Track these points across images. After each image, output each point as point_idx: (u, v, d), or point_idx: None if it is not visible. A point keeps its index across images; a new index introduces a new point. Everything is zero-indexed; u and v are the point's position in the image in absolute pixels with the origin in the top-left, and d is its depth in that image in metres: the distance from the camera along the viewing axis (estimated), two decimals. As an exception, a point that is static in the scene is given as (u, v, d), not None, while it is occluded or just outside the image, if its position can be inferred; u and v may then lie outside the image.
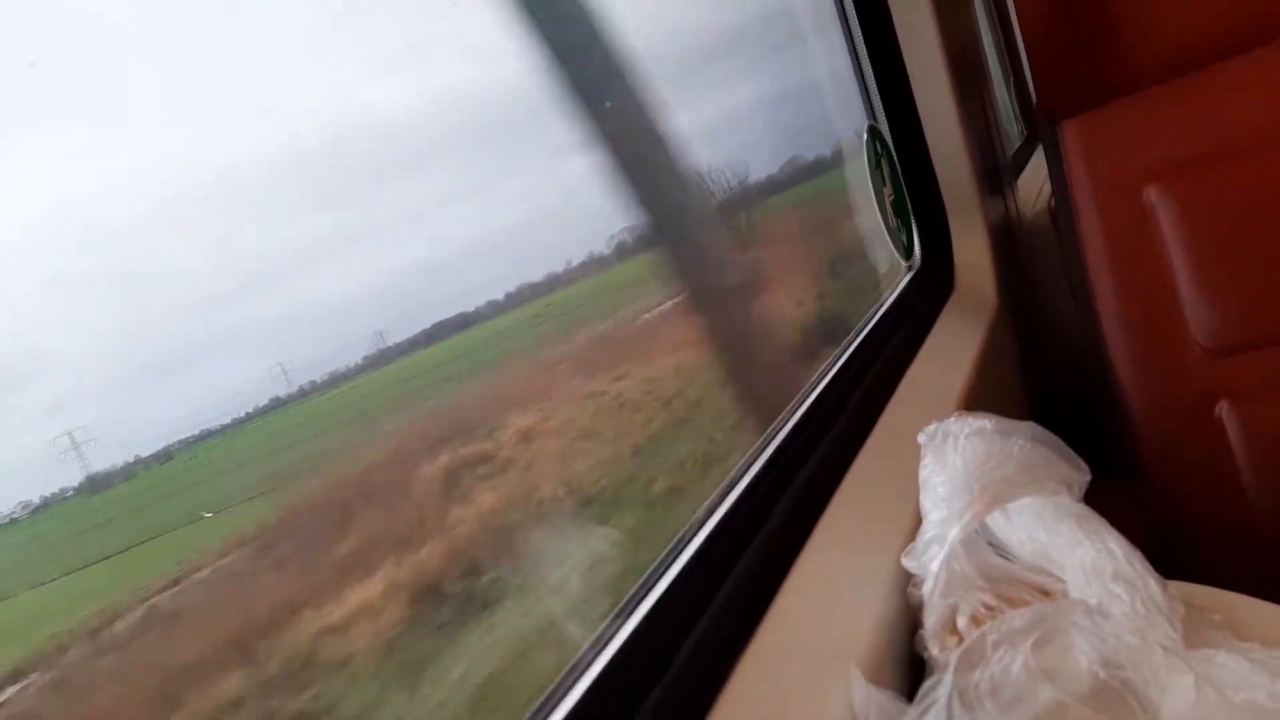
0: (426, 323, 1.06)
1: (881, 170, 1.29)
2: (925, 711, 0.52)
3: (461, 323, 1.14)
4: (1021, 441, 0.65)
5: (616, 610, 0.62)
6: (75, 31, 0.61)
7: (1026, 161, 2.21)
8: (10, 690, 0.59)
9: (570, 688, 0.55)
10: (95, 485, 0.69)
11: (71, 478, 0.67)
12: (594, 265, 1.34)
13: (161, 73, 0.67)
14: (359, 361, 0.95)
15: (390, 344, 0.98)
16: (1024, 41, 1.17)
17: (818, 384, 0.98)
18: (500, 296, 1.22)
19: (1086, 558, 0.58)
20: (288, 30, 0.81)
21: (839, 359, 1.05)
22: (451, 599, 1.01)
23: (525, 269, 1.26)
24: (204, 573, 0.81)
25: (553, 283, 1.33)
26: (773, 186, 1.85)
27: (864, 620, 0.61)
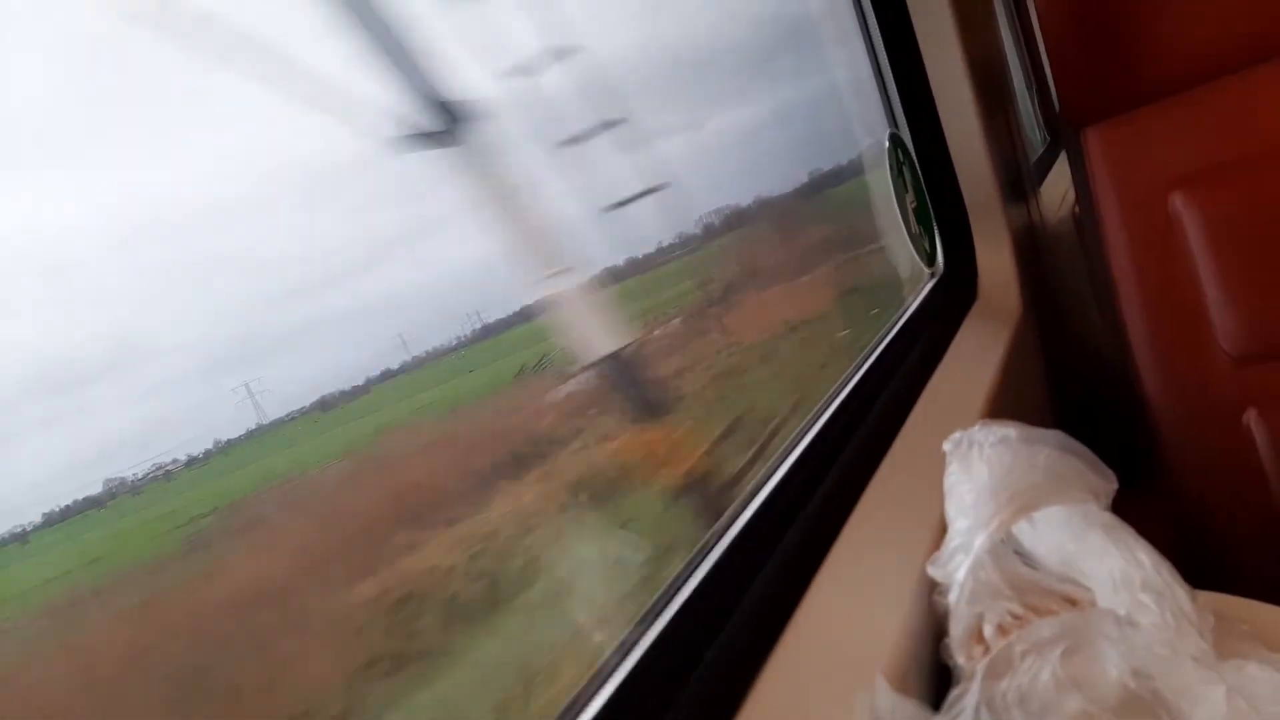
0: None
1: (903, 177, 1.29)
2: (952, 720, 0.52)
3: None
4: (1048, 450, 0.65)
5: (641, 615, 0.62)
6: (161, 30, 0.63)
7: (1049, 168, 2.19)
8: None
9: (595, 693, 0.55)
10: (325, 405, 0.88)
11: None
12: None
13: (249, 69, 0.69)
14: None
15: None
16: (1046, 48, 1.16)
17: (841, 391, 0.98)
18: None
19: (1114, 567, 0.58)
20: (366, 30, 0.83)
21: (862, 366, 1.04)
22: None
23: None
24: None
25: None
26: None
27: (889, 628, 0.61)
